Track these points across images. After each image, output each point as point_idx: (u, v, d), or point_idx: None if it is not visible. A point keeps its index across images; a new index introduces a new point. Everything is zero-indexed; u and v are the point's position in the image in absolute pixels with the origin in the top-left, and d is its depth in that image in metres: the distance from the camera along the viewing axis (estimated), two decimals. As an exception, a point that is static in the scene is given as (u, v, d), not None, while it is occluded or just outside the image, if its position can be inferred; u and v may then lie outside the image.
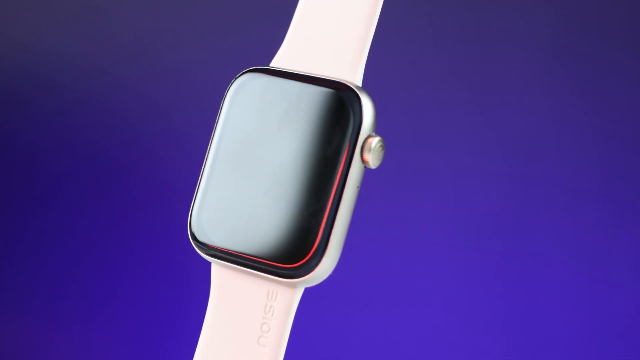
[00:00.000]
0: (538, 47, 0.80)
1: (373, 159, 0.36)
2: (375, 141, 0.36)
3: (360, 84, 0.37)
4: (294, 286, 0.36)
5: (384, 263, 0.82)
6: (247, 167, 0.37)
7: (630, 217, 0.78)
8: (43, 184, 0.91)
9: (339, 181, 0.35)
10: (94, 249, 0.89)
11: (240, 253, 0.36)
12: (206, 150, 0.38)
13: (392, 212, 0.82)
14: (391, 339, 0.82)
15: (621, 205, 0.78)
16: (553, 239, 0.79)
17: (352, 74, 0.37)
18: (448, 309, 0.81)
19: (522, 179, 0.80)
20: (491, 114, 0.80)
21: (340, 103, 0.36)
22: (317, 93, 0.36)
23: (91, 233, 0.89)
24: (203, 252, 0.37)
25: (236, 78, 0.38)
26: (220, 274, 0.37)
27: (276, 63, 0.38)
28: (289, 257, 0.36)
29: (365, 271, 0.82)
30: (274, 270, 0.36)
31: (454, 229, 0.80)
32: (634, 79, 0.78)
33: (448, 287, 0.81)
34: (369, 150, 0.36)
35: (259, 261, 0.36)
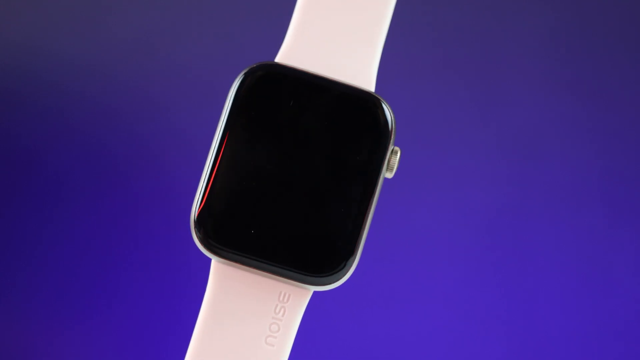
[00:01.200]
0: (538, 46, 0.80)
1: (395, 170, 0.37)
2: (399, 153, 0.37)
3: (374, 81, 0.37)
4: (309, 289, 0.36)
5: (383, 262, 0.82)
6: (270, 169, 0.35)
7: (630, 217, 0.78)
8: (43, 184, 0.91)
9: (372, 196, 0.36)
10: (95, 249, 0.89)
11: (262, 259, 0.35)
12: (208, 151, 0.36)
13: (392, 212, 0.82)
14: (391, 339, 0.82)
15: (621, 205, 0.78)
16: (553, 239, 0.79)
17: (368, 78, 0.37)
18: (448, 309, 0.81)
19: (522, 179, 0.79)
20: (491, 114, 0.80)
21: (375, 116, 0.36)
22: (345, 101, 0.36)
23: (91, 233, 0.89)
24: (210, 251, 0.36)
25: (249, 71, 0.36)
26: (224, 271, 0.36)
27: (286, 59, 0.37)
28: (320, 266, 0.35)
29: (364, 271, 0.82)
30: (301, 277, 0.35)
31: (453, 228, 0.80)
32: (634, 79, 0.78)
33: (448, 287, 0.81)
34: (395, 161, 0.37)
35: (283, 267, 0.35)
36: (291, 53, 0.37)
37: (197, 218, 0.36)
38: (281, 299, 0.36)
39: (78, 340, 0.88)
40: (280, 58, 0.37)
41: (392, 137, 0.37)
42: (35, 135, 0.91)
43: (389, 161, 0.36)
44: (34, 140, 0.91)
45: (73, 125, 0.90)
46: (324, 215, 0.35)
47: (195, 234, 0.36)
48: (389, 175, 0.36)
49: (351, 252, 0.36)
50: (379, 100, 0.36)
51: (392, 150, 0.37)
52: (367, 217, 0.36)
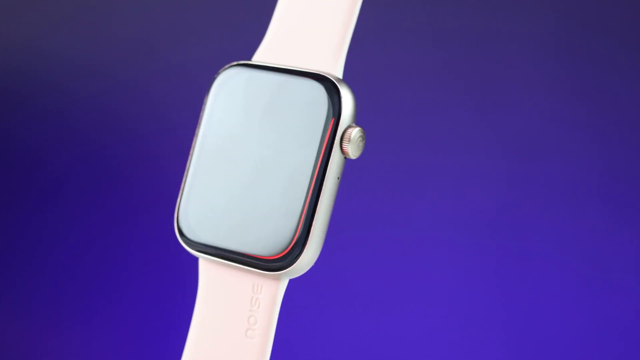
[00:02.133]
0: (538, 46, 0.80)
1: (353, 150, 0.36)
2: (354, 132, 0.36)
3: (341, 76, 0.37)
4: (277, 278, 0.36)
5: (383, 263, 0.82)
6: (230, 162, 0.37)
7: (630, 217, 0.78)
8: (43, 184, 0.91)
9: (318, 172, 0.35)
10: (94, 249, 0.89)
11: (224, 247, 0.37)
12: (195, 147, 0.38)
13: (392, 212, 0.82)
14: (391, 339, 0.82)
15: (621, 205, 0.78)
16: (553, 239, 0.79)
17: (333, 67, 0.37)
18: (448, 309, 0.81)
19: (522, 179, 0.80)
20: (491, 114, 0.80)
21: (318, 94, 0.36)
22: (295, 85, 0.36)
23: (91, 233, 0.89)
24: (190, 248, 0.38)
25: (219, 73, 0.38)
26: (208, 268, 0.38)
27: (258, 57, 0.38)
28: (271, 250, 0.36)
29: (364, 272, 0.82)
30: (257, 263, 0.36)
31: (453, 228, 0.80)
32: (634, 79, 0.78)
33: (448, 287, 0.81)
34: (349, 140, 0.36)
35: (243, 255, 0.36)
36: (268, 48, 0.38)
37: (176, 214, 0.38)
38: (255, 290, 0.37)
39: (78, 340, 0.88)
40: (259, 52, 0.39)
41: (337, 114, 0.36)
42: (35, 135, 0.91)
43: (341, 139, 0.36)
44: (34, 140, 0.91)
45: (73, 125, 0.91)
46: (277, 201, 0.36)
47: (176, 229, 0.38)
48: (351, 156, 0.36)
49: (304, 234, 0.35)
50: (325, 78, 0.36)
51: (346, 129, 0.36)
52: (319, 198, 0.35)
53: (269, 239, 0.36)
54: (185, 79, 0.88)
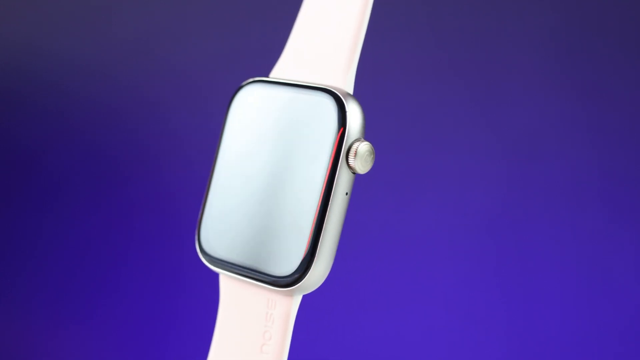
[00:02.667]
0: (539, 47, 0.80)
1: (360, 165, 0.35)
2: (360, 146, 0.35)
3: (351, 91, 0.36)
4: (290, 294, 0.36)
5: (383, 263, 0.82)
6: (245, 178, 0.37)
7: (630, 217, 0.78)
8: (42, 184, 0.91)
9: (326, 189, 0.35)
10: (94, 249, 0.89)
11: (240, 264, 0.36)
12: (206, 151, 0.38)
13: (392, 212, 0.82)
14: (391, 339, 0.82)
15: (621, 205, 0.78)
16: (553, 239, 0.79)
17: (342, 81, 0.36)
18: (448, 309, 0.81)
19: (522, 179, 0.79)
20: (491, 114, 0.80)
21: (325, 109, 0.35)
22: (304, 100, 0.36)
23: (90, 233, 0.89)
24: (209, 264, 0.37)
25: (238, 90, 0.38)
26: (227, 284, 0.38)
27: (275, 73, 0.38)
28: (280, 266, 0.35)
29: (365, 272, 0.82)
30: (269, 279, 0.36)
31: (454, 228, 0.80)
32: (634, 79, 0.78)
33: (448, 288, 0.81)
34: (355, 155, 0.35)
35: (256, 271, 0.36)
36: (284, 64, 0.38)
37: (197, 231, 0.38)
38: (269, 306, 0.36)
39: (78, 340, 0.88)
40: (276, 69, 0.38)
41: (342, 129, 0.35)
42: (35, 135, 0.91)
43: (347, 154, 0.35)
44: (34, 140, 0.91)
45: (73, 125, 0.91)
46: (286, 217, 0.35)
47: (197, 245, 0.38)
48: (358, 171, 0.35)
49: (312, 250, 0.35)
50: (332, 92, 0.36)
51: (352, 144, 0.35)
52: (327, 214, 0.35)
53: (279, 255, 0.35)
54: (185, 79, 0.88)
